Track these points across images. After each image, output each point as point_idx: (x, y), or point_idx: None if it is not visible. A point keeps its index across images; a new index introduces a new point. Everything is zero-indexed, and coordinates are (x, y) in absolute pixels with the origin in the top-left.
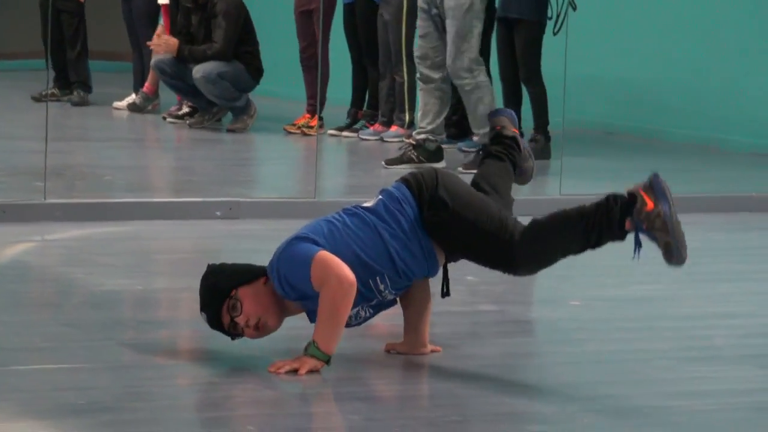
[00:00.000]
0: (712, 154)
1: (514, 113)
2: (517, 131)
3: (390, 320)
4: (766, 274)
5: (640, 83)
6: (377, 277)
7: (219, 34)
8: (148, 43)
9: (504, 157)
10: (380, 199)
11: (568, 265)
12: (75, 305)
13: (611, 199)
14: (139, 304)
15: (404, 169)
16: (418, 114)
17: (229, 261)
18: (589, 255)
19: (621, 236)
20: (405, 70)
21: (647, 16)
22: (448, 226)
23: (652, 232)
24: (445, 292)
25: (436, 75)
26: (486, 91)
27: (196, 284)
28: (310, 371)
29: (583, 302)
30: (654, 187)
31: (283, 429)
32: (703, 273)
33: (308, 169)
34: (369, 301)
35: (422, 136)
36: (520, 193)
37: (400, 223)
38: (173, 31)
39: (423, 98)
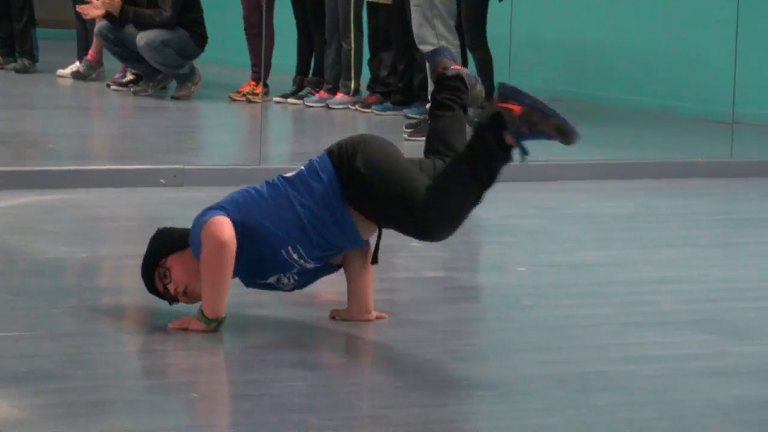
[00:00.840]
0: (660, 120)
1: (452, 51)
2: (459, 66)
3: (335, 287)
4: (711, 239)
5: (587, 49)
6: (288, 247)
7: (166, 1)
8: (79, 7)
9: (453, 104)
10: (300, 169)
11: (514, 232)
12: (18, 273)
13: (479, 129)
14: (82, 272)
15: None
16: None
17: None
18: (535, 222)
19: (508, 156)
20: (352, 36)
21: None
22: (362, 196)
23: (535, 129)
24: (374, 260)
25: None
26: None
27: (140, 251)
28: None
29: (529, 268)
30: (506, 93)
31: (227, 395)
32: (649, 239)
33: (253, 136)
34: (287, 269)
35: None
36: None
37: (312, 193)
38: None
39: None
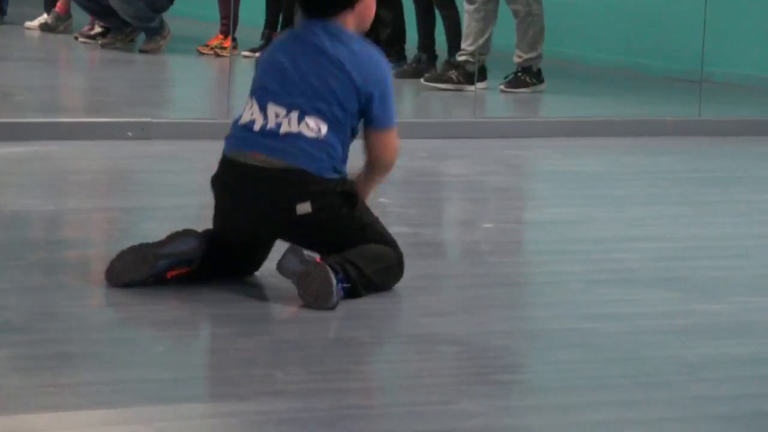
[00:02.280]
0: (628, 78)
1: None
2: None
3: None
4: (678, 197)
5: (558, 7)
6: None
7: None
8: None
9: None
10: None
11: (482, 189)
12: None
13: None
14: (49, 225)
15: (444, 89)
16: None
17: (141, 180)
18: (504, 179)
19: None
20: None
21: None
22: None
23: None
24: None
25: None
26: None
27: (108, 205)
28: None
29: (496, 225)
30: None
31: (193, 349)
32: (616, 196)
33: (221, 90)
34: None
35: (463, 57)
36: (435, 116)
37: None
38: None
39: (465, 20)
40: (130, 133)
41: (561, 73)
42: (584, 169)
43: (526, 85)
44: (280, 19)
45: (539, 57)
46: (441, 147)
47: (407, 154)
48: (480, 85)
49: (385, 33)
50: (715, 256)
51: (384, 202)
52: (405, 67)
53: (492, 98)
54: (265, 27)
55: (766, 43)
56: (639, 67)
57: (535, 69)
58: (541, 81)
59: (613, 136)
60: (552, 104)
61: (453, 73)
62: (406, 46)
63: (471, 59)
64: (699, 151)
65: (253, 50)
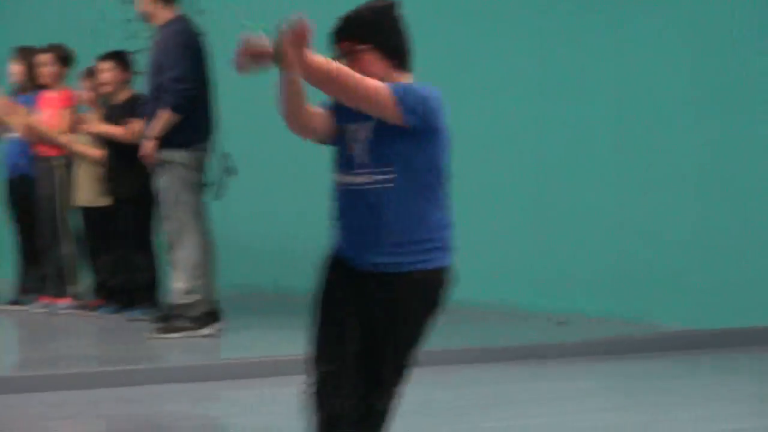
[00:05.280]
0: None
1: None
2: None
3: None
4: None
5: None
6: None
7: None
8: None
9: None
10: None
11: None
12: None
13: None
14: None
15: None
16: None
17: None
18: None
19: None
20: (67, 243)
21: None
22: None
23: None
24: None
25: None
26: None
27: None
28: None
29: None
30: None
31: None
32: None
33: None
34: None
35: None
36: (181, 358)
37: None
38: None
39: None
40: None
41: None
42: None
43: (179, 330)
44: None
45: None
46: (192, 390)
47: (160, 398)
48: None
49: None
50: None
51: None
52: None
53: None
54: (20, 281)
55: None
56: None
57: (193, 313)
58: (204, 326)
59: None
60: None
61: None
62: None
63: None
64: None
65: (9, 303)
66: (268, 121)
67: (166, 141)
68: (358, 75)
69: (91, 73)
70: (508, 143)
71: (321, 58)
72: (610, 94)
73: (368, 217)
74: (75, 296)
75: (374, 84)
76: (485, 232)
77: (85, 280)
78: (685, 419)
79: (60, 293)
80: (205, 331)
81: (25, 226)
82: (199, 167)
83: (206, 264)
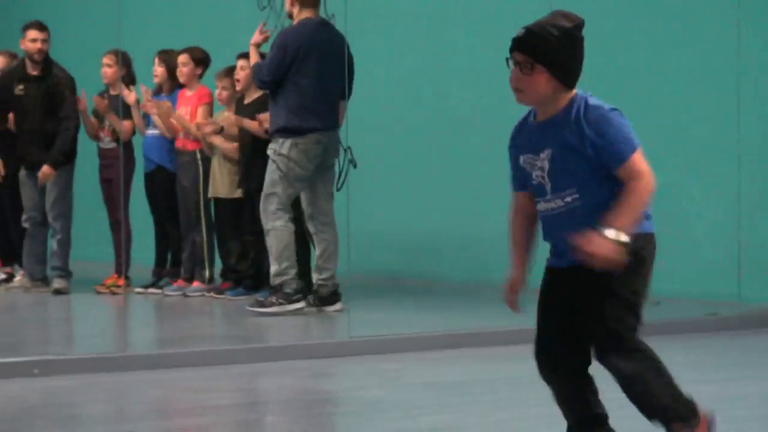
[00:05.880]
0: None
1: None
2: None
3: None
4: (537, 400)
5: (419, 234)
6: None
7: None
8: None
9: None
10: None
11: (359, 402)
12: None
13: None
14: None
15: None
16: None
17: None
18: (379, 392)
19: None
20: (204, 231)
21: (424, 173)
22: None
23: None
24: None
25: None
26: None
27: None
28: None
29: None
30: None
31: None
32: (483, 402)
33: (118, 325)
34: None
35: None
36: (311, 337)
37: None
38: None
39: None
40: (35, 370)
41: (425, 291)
42: (452, 378)
43: (273, 305)
44: (169, 257)
45: (288, 273)
46: (320, 366)
47: (290, 373)
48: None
49: (267, 265)
50: None
51: (271, 421)
52: None
53: (361, 315)
54: (156, 265)
55: None
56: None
57: (287, 289)
58: (294, 301)
59: (476, 346)
60: (422, 320)
61: (273, 297)
62: None
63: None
64: None
65: (145, 287)
66: (393, 119)
67: (279, 131)
68: (640, 195)
69: (228, 72)
70: None
71: (628, 224)
72: None
73: None
74: (206, 280)
75: (646, 185)
76: None
77: (216, 266)
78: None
79: (193, 278)
80: (293, 306)
81: (163, 216)
82: (300, 160)
83: (292, 247)
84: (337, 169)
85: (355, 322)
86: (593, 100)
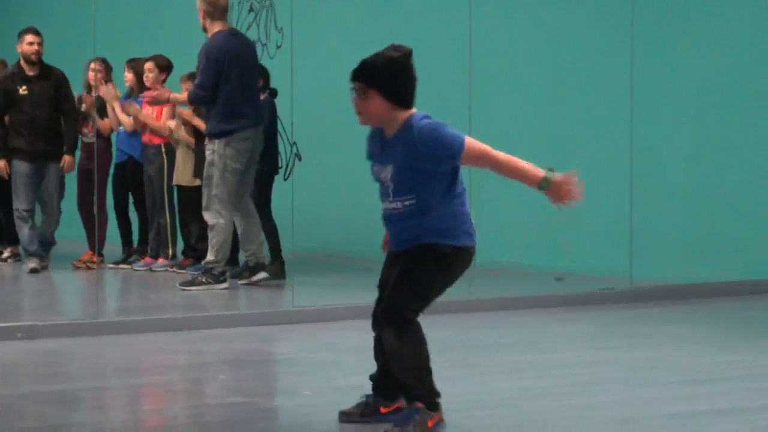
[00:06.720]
0: None
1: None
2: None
3: None
4: (454, 362)
5: (354, 216)
6: None
7: None
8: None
9: None
10: None
11: (304, 363)
12: None
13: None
14: None
15: (197, 290)
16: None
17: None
18: (321, 355)
19: None
20: (167, 214)
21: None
22: None
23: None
24: None
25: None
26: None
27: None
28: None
29: (315, 391)
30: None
31: None
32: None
33: (93, 295)
34: None
35: (210, 265)
36: (259, 307)
37: None
38: None
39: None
40: (19, 334)
41: (360, 266)
42: None
43: (201, 284)
44: (137, 237)
45: (220, 262)
46: (267, 332)
47: (240, 338)
48: (222, 286)
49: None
50: (486, 407)
51: (222, 378)
52: (237, 270)
53: (301, 291)
54: (123, 245)
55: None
56: None
57: (216, 272)
58: (220, 281)
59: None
60: (356, 291)
61: (202, 277)
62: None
63: (217, 265)
64: (470, 324)
65: (117, 263)
66: (334, 118)
67: (215, 134)
68: (505, 155)
69: (190, 76)
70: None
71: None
72: None
73: None
74: (170, 257)
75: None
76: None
77: (178, 245)
78: (663, 356)
79: (158, 255)
80: (220, 286)
81: (133, 200)
82: (234, 156)
83: (229, 241)
84: (283, 162)
85: (298, 294)
86: (425, 119)
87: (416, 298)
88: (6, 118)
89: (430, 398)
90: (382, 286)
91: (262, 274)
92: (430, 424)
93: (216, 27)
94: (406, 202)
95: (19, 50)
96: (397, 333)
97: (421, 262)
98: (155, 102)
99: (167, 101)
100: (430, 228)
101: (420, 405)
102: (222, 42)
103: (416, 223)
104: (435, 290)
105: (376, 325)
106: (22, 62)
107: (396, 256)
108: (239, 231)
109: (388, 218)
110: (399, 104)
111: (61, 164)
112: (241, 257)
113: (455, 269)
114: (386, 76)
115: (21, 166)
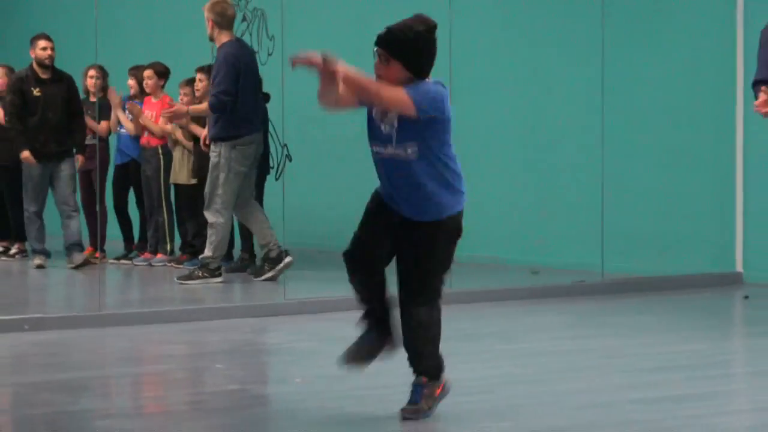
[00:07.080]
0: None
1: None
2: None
3: None
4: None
5: (343, 212)
6: None
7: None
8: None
9: None
10: None
11: (294, 352)
12: None
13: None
14: None
15: (194, 284)
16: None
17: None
18: (311, 344)
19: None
20: (165, 212)
21: (346, 161)
22: None
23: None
24: None
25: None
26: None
27: (11, 381)
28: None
29: (305, 379)
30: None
31: None
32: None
33: (94, 289)
34: None
35: (207, 260)
36: (252, 299)
37: None
38: None
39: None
40: (26, 326)
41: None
42: None
43: (198, 278)
44: (138, 234)
45: (216, 258)
46: (259, 323)
47: (235, 329)
48: (217, 279)
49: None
50: (465, 393)
51: (219, 367)
52: (232, 264)
53: (292, 284)
54: (125, 240)
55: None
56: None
57: (212, 266)
58: (215, 276)
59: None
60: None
61: (199, 272)
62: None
63: (213, 260)
64: (452, 315)
65: (118, 258)
66: (322, 121)
67: (221, 138)
68: (382, 86)
69: (189, 82)
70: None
71: (354, 74)
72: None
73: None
74: (168, 253)
75: (396, 93)
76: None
77: (176, 241)
78: (633, 344)
79: (157, 251)
80: (215, 280)
81: (135, 199)
82: (240, 159)
83: (226, 240)
84: (274, 162)
85: (290, 287)
86: (437, 85)
87: (444, 272)
88: None
89: (441, 368)
90: (369, 234)
91: (288, 259)
92: (437, 392)
93: (224, 37)
94: (409, 150)
95: (33, 55)
96: (431, 311)
97: (439, 241)
98: (175, 118)
99: (186, 114)
100: (441, 200)
101: (424, 380)
102: (237, 50)
103: (427, 193)
104: (452, 257)
105: (351, 263)
106: (35, 66)
107: (397, 220)
108: (253, 232)
109: (388, 171)
110: (417, 75)
111: (75, 160)
112: (237, 254)
113: (462, 229)
114: (411, 51)
115: (32, 168)
